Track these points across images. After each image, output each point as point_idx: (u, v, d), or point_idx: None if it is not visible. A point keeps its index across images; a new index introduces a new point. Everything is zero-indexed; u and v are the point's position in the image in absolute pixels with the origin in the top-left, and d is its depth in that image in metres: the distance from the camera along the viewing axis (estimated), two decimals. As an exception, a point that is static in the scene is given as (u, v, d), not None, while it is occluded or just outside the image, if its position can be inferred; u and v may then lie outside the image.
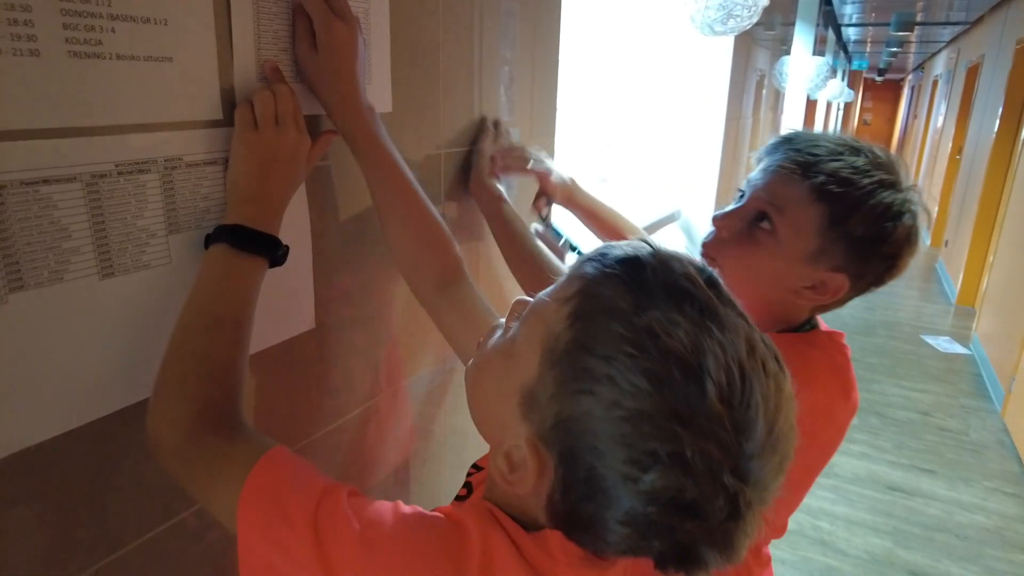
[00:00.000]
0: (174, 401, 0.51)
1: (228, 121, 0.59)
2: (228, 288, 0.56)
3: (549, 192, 1.05)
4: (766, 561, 0.88)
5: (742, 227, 0.77)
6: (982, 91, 5.82)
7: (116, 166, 0.51)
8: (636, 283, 0.42)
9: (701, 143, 2.60)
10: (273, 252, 0.59)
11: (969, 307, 5.13)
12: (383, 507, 0.45)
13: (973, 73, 6.30)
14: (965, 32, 7.36)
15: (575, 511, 0.44)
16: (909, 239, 0.74)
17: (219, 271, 0.56)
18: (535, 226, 1.03)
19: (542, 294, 0.48)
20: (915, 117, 12.55)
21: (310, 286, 0.72)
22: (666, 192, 2.69)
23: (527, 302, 0.50)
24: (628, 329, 0.41)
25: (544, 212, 1.06)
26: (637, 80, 2.61)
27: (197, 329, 0.54)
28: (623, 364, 0.40)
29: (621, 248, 0.45)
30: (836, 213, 0.72)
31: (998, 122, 4.82)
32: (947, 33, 7.88)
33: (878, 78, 15.73)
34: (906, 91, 15.71)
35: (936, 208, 7.26)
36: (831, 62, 4.59)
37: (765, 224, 0.75)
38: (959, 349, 4.47)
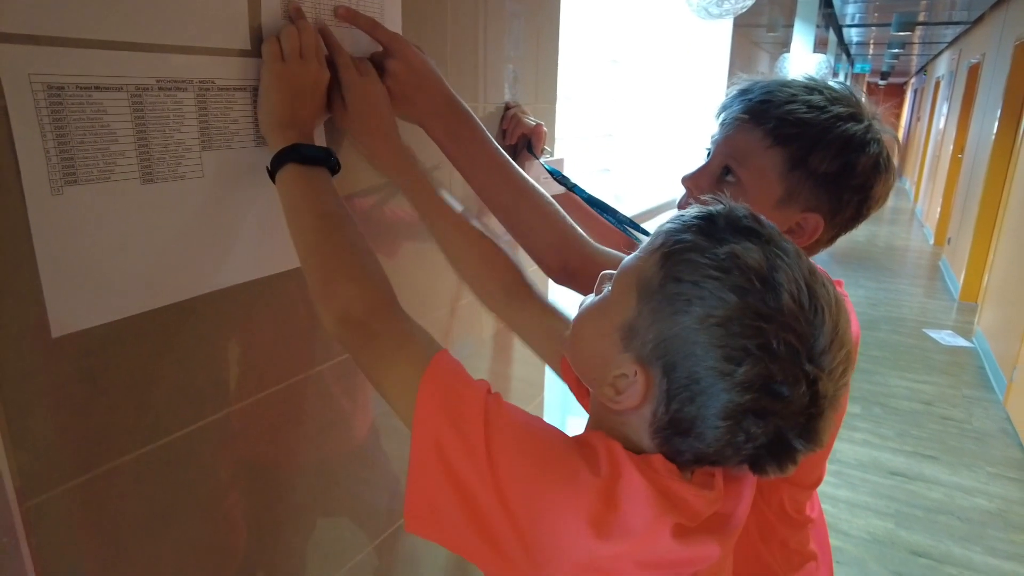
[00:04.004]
0: (344, 283, 0.59)
1: (256, 52, 0.65)
2: (321, 193, 0.63)
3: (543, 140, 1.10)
4: (806, 522, 0.87)
5: (710, 184, 0.79)
6: (983, 91, 5.86)
7: (157, 81, 0.57)
8: (711, 227, 0.51)
9: (700, 135, 2.65)
10: (329, 160, 0.66)
11: (972, 303, 5.15)
12: (530, 416, 0.54)
13: (974, 73, 6.34)
14: (966, 32, 7.40)
15: (678, 416, 0.51)
16: (877, 167, 0.74)
17: (302, 186, 0.63)
18: (541, 162, 1.09)
19: (629, 258, 0.56)
20: (918, 119, 12.59)
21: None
22: (667, 182, 2.74)
23: (612, 274, 0.58)
24: (711, 258, 0.49)
25: (547, 152, 1.13)
26: (639, 72, 2.67)
27: (322, 228, 0.62)
28: (710, 285, 0.49)
29: (694, 208, 0.54)
30: (794, 154, 0.73)
31: (998, 121, 4.86)
32: (949, 34, 7.92)
33: (881, 82, 15.78)
34: (909, 94, 15.75)
35: (939, 208, 7.28)
36: (831, 61, 4.63)
37: (730, 177, 0.77)
38: (962, 342, 4.48)
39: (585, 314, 0.59)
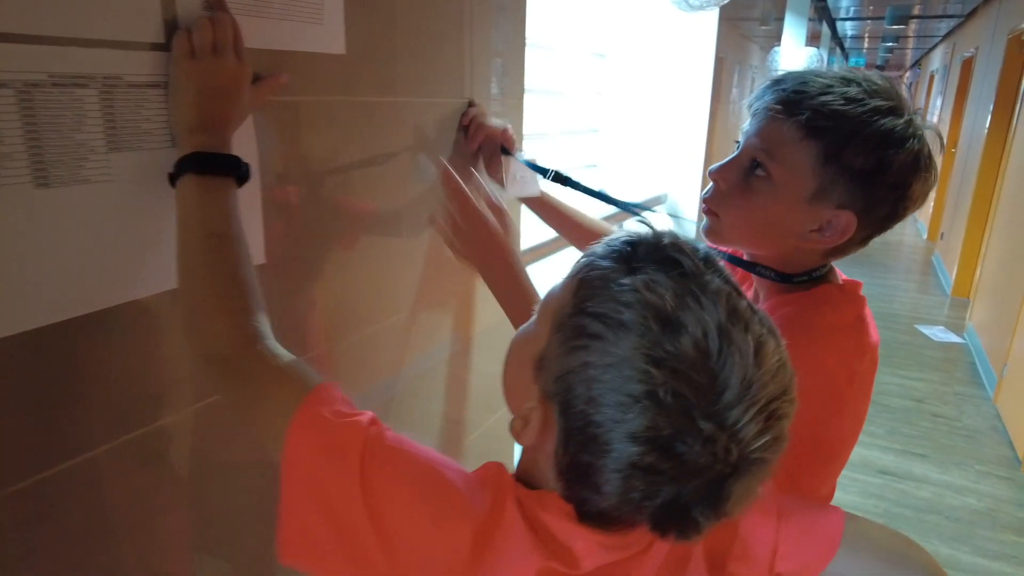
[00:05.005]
0: (210, 317, 0.55)
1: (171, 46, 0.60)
2: (212, 209, 0.58)
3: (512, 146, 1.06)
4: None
5: (738, 178, 0.75)
6: (976, 84, 5.82)
7: (50, 76, 0.52)
8: (631, 255, 0.47)
9: (687, 129, 2.61)
10: (236, 170, 0.61)
11: (964, 298, 5.12)
12: (420, 449, 0.51)
13: (968, 67, 6.31)
14: (960, 26, 7.36)
15: (575, 461, 0.47)
16: (917, 165, 0.70)
17: (195, 198, 0.58)
18: (518, 158, 1.05)
19: (555, 283, 0.53)
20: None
21: (259, 220, 0.73)
22: (653, 176, 2.70)
23: None
24: (618, 290, 0.45)
25: (519, 150, 1.09)
26: (626, 66, 2.63)
27: (203, 250, 0.57)
28: (612, 321, 0.44)
29: (624, 232, 0.51)
30: (829, 148, 0.69)
31: (991, 115, 4.82)
32: (943, 27, 7.89)
33: (876, 76, 15.75)
34: (904, 88, 15.71)
35: (932, 203, 7.26)
36: (824, 55, 4.59)
37: (760, 171, 0.74)
38: (953, 338, 4.46)
39: (513, 342, 0.57)
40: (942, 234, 6.50)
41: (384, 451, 0.49)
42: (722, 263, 0.50)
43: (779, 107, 0.71)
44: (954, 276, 5.37)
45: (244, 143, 0.69)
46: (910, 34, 8.69)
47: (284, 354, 0.55)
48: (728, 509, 0.46)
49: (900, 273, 6.25)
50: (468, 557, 0.46)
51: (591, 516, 0.49)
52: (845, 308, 0.78)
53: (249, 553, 0.81)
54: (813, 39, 6.72)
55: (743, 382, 0.43)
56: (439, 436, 1.18)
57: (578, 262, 0.51)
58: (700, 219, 2.50)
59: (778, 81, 0.74)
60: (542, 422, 0.49)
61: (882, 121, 0.68)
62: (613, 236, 0.50)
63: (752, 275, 0.83)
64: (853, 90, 0.69)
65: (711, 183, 0.79)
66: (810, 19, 6.47)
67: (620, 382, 0.43)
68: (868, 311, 0.79)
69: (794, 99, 0.71)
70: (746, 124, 0.77)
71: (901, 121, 0.69)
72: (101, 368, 0.61)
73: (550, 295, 0.52)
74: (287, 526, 0.49)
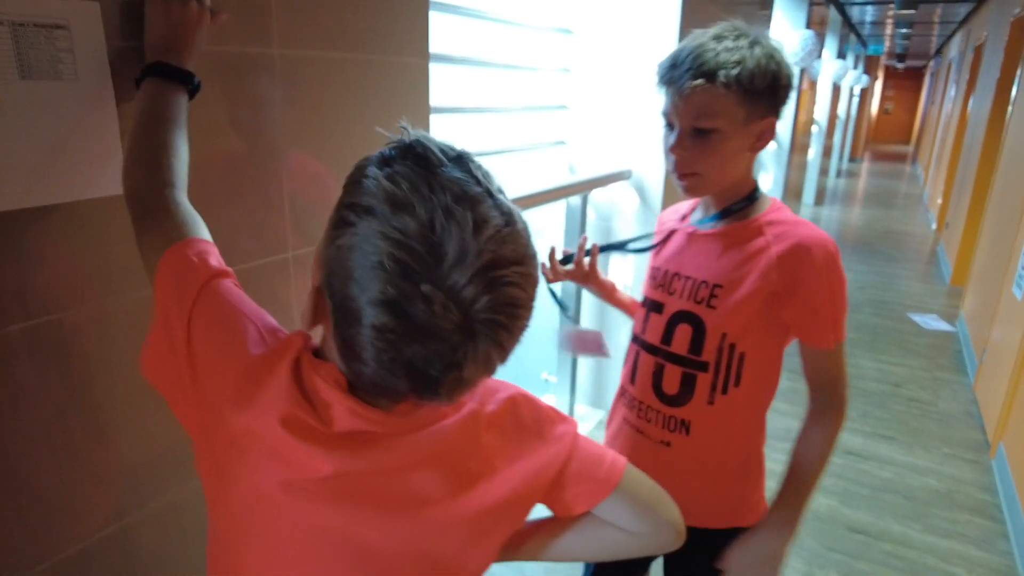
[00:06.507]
0: (138, 165, 0.73)
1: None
2: (161, 102, 0.76)
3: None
4: None
5: (691, 140, 0.97)
6: (983, 71, 5.70)
7: None
8: (388, 155, 0.53)
9: (651, 106, 2.62)
10: (189, 82, 0.79)
11: (961, 287, 5.05)
12: (248, 304, 0.64)
13: (979, 53, 6.16)
14: (975, 10, 7.18)
15: (342, 336, 0.53)
16: (788, 63, 0.98)
17: (151, 94, 0.76)
18: (594, 245, 1.27)
19: None
20: (933, 103, 12.28)
21: (118, 149, 0.80)
22: (620, 152, 2.72)
23: None
24: (367, 182, 0.51)
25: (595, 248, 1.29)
26: (593, 42, 2.64)
27: (148, 124, 0.74)
28: (359, 207, 0.51)
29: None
30: (742, 86, 0.92)
31: (992, 99, 4.73)
32: (962, 12, 7.68)
33: (899, 64, 15.40)
34: (927, 78, 15.36)
35: (941, 194, 7.13)
36: (812, 39, 4.51)
37: (705, 127, 0.96)
38: (944, 327, 4.41)
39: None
40: (947, 223, 6.39)
41: (216, 293, 0.62)
42: (477, 161, 0.55)
43: (698, 81, 0.93)
44: (953, 265, 5.30)
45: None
46: (935, 20, 8.46)
47: (186, 206, 0.70)
48: (464, 372, 0.52)
49: (903, 263, 6.17)
50: (234, 385, 0.57)
51: (364, 388, 0.56)
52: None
53: (151, 439, 0.88)
54: (818, 24, 6.61)
55: (460, 251, 0.48)
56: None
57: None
58: (664, 189, 2.52)
59: (675, 64, 0.96)
60: (314, 307, 0.56)
61: (756, 52, 0.93)
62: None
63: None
64: (728, 42, 0.93)
65: (673, 157, 1.00)
66: (815, 3, 6.36)
67: (362, 258, 0.49)
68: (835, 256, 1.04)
69: (702, 70, 0.93)
70: (669, 102, 0.98)
71: (761, 46, 0.94)
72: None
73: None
74: (147, 343, 0.64)
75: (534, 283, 0.54)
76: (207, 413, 0.58)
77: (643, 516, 0.70)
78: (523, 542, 0.73)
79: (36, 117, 0.72)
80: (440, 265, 0.48)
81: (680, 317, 1.06)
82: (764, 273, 0.98)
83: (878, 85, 16.26)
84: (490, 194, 0.52)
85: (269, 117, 1.00)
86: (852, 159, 14.31)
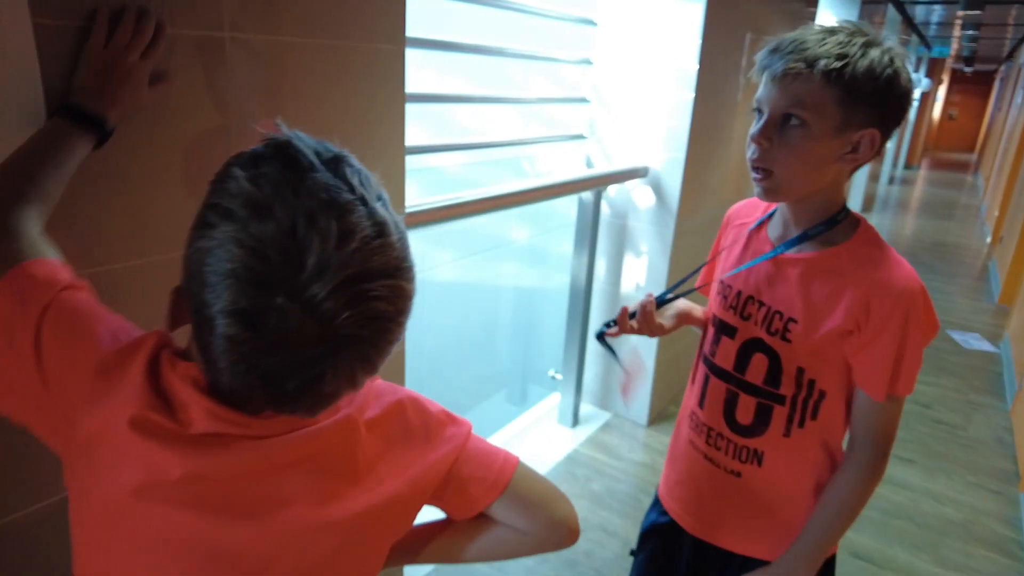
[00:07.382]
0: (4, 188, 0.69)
1: None
2: (55, 146, 0.72)
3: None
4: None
5: (776, 133, 0.89)
6: (1052, 76, 5.34)
7: None
8: (258, 153, 0.50)
9: (673, 103, 2.53)
10: (98, 129, 0.76)
11: (1008, 306, 4.78)
12: (101, 311, 0.61)
13: (1049, 57, 5.78)
14: (1049, 14, 6.74)
15: (199, 341, 0.50)
16: (908, 76, 0.87)
17: (48, 132, 0.73)
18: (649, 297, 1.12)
19: None
20: (1000, 110, 11.64)
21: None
22: (638, 149, 2.64)
23: None
24: (230, 182, 0.48)
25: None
26: (616, 35, 2.57)
27: (23, 159, 0.71)
28: (220, 208, 0.48)
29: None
30: (844, 84, 0.84)
31: (1057, 107, 4.43)
32: (1035, 15, 7.20)
33: (966, 68, 14.65)
34: (996, 84, 14.55)
35: (999, 207, 6.75)
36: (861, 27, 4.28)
37: (793, 121, 0.87)
38: (986, 347, 4.18)
39: None
40: (1002, 237, 6.05)
41: (69, 302, 0.59)
42: (356, 165, 0.52)
43: (792, 65, 0.85)
44: (1003, 282, 5.01)
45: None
46: (1008, 21, 7.98)
47: (37, 235, 0.66)
48: (325, 386, 0.49)
49: (950, 277, 5.87)
50: (88, 383, 0.55)
51: (223, 393, 0.53)
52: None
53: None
54: (876, 24, 6.31)
55: (321, 262, 0.45)
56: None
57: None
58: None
59: (775, 49, 0.88)
60: (172, 308, 0.54)
61: (872, 53, 0.84)
62: None
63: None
64: (841, 36, 0.85)
65: (754, 146, 0.91)
66: (873, 1, 6.06)
67: (216, 264, 0.46)
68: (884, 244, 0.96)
69: (802, 55, 0.85)
70: (763, 89, 0.90)
71: (880, 49, 0.85)
72: None
73: None
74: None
75: (406, 296, 0.51)
76: (62, 421, 0.56)
77: (535, 515, 0.69)
78: (420, 546, 0.71)
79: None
80: (297, 276, 0.45)
81: (754, 345, 1.00)
82: (842, 312, 0.91)
83: (942, 89, 15.49)
84: (364, 202, 0.49)
85: (226, 103, 0.99)
86: (908, 166, 13.70)
